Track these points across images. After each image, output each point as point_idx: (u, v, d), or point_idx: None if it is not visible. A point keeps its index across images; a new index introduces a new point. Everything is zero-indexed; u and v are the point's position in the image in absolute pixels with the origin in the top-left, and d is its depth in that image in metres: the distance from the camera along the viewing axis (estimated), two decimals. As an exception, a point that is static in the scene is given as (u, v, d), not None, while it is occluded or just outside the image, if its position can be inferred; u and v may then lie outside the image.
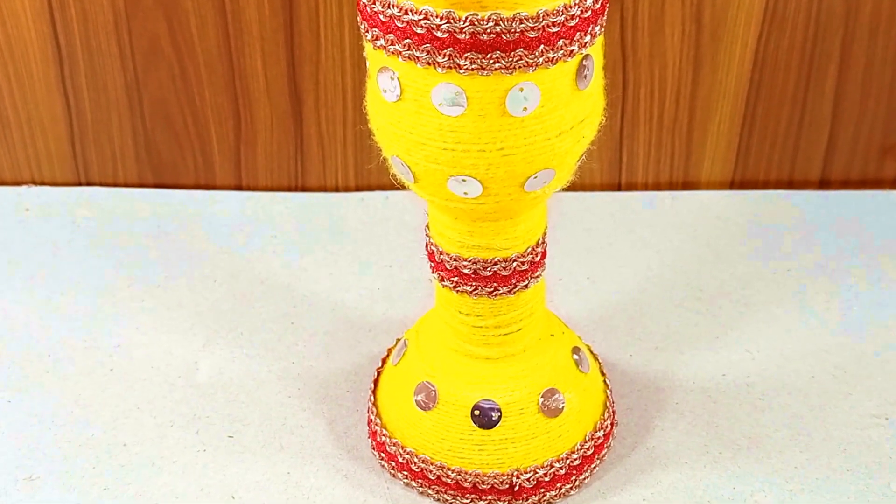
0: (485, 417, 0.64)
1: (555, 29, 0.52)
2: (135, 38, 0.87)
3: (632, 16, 0.85)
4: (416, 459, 0.65)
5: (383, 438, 0.67)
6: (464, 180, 0.55)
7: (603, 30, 0.55)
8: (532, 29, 0.51)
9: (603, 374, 0.71)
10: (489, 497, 0.64)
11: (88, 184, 0.95)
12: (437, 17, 0.51)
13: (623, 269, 0.85)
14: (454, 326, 0.65)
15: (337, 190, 0.94)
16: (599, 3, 0.54)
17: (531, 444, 0.64)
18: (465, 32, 0.51)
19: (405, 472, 0.66)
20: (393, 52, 0.53)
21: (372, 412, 0.69)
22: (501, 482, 0.64)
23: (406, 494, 0.66)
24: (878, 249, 0.86)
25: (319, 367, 0.75)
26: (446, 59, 0.52)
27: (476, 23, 0.51)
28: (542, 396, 0.64)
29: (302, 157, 0.92)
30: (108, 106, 0.90)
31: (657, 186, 0.94)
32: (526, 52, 0.51)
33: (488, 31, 0.51)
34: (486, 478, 0.64)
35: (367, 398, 0.72)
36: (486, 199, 0.56)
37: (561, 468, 0.65)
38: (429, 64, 0.52)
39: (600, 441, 0.67)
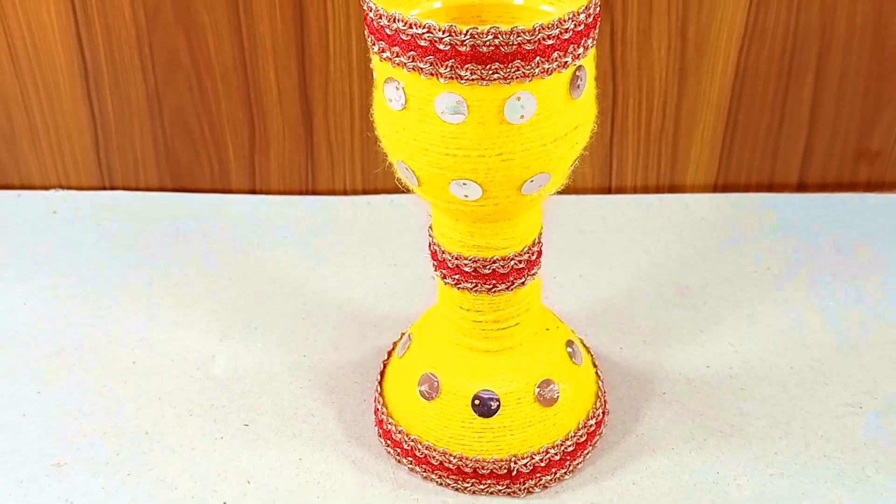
0: (484, 406, 0.64)
1: (550, 42, 0.52)
2: (155, 52, 0.87)
3: (621, 30, 0.85)
4: (419, 446, 0.65)
5: (389, 426, 0.67)
6: (465, 184, 0.55)
7: (595, 43, 0.55)
8: (529, 42, 0.51)
9: (595, 365, 0.71)
10: (489, 481, 0.64)
11: (112, 188, 0.95)
12: (439, 30, 0.51)
13: (613, 268, 0.85)
14: (455, 321, 0.65)
15: (345, 193, 0.94)
16: (591, 17, 0.54)
17: (528, 431, 0.64)
18: (465, 45, 0.51)
19: (410, 458, 0.66)
20: (398, 64, 0.53)
21: (378, 402, 0.69)
22: (500, 467, 0.64)
23: (410, 479, 0.66)
24: (852, 249, 0.86)
25: (329, 360, 0.75)
26: (448, 69, 0.52)
27: (476, 36, 0.51)
28: (538, 387, 0.64)
29: (312, 162, 0.92)
30: (131, 115, 0.90)
31: (645, 190, 0.94)
32: (523, 64, 0.51)
33: (488, 43, 0.51)
34: (485, 463, 0.64)
35: (373, 389, 0.72)
36: (485, 201, 0.56)
37: (556, 454, 0.64)
38: (432, 74, 0.52)
39: (592, 429, 0.67)
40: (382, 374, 0.71)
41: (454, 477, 0.64)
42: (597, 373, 0.71)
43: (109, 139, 0.92)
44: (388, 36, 0.53)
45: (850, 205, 0.91)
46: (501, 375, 0.64)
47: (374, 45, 0.54)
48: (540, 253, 0.64)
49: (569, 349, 0.67)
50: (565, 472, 0.65)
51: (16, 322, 0.79)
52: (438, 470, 0.65)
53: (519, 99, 0.53)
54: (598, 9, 0.55)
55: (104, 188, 0.95)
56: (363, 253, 0.87)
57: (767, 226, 0.89)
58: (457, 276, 0.62)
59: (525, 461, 0.64)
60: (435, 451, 0.64)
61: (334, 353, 0.76)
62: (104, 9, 0.85)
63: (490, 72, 0.51)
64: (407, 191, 0.61)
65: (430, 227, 0.63)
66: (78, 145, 0.93)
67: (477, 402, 0.64)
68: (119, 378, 0.74)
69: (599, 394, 0.69)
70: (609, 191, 0.94)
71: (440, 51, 0.51)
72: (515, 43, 0.51)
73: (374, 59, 0.55)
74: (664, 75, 0.88)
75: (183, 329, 0.79)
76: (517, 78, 0.52)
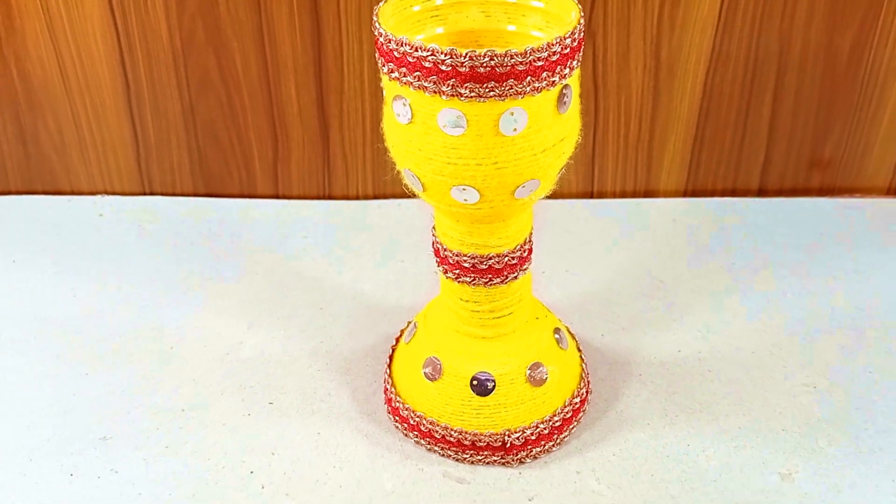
0: (482, 387, 0.63)
1: (540, 63, 0.52)
2: (189, 72, 0.87)
3: (602, 53, 0.85)
4: (424, 422, 0.65)
5: (397, 404, 0.67)
6: (464, 189, 0.55)
7: (579, 64, 0.55)
8: (521, 63, 0.51)
9: (579, 350, 0.71)
10: (485, 453, 0.64)
11: (151, 194, 0.95)
12: (442, 53, 0.51)
13: (596, 264, 0.84)
14: (456, 311, 0.65)
15: (358, 198, 0.94)
16: (576, 41, 0.54)
17: (520, 408, 0.64)
18: (465, 66, 0.51)
19: (415, 433, 0.66)
20: (405, 83, 0.53)
21: (388, 382, 0.69)
22: (495, 440, 0.64)
23: (416, 450, 0.66)
24: (806, 247, 0.85)
25: (344, 346, 0.75)
26: (450, 88, 0.51)
27: (474, 58, 0.51)
28: (529, 369, 0.64)
29: (329, 170, 0.92)
30: (168, 129, 0.90)
31: (623, 195, 0.93)
32: (516, 83, 0.51)
33: (484, 65, 0.51)
34: (482, 437, 0.64)
35: (383, 371, 0.72)
36: (482, 204, 0.56)
37: (545, 429, 0.64)
38: (435, 92, 0.52)
39: (577, 406, 0.67)
40: (391, 357, 0.71)
41: (454, 449, 0.64)
42: (581, 357, 0.70)
43: (149, 150, 0.92)
44: (397, 58, 0.53)
45: (804, 208, 0.91)
46: (497, 359, 0.64)
47: (383, 66, 0.54)
48: (531, 250, 0.63)
49: (556, 336, 0.67)
50: (553, 445, 0.65)
51: (67, 312, 0.79)
52: (441, 443, 0.65)
53: (512, 114, 0.52)
54: (582, 34, 0.55)
55: (144, 194, 0.95)
56: (374, 251, 0.87)
57: (731, 227, 0.89)
58: (457, 271, 0.62)
59: (517, 435, 0.64)
60: (438, 426, 0.64)
61: (348, 340, 0.76)
62: (145, 34, 0.85)
63: (487, 90, 0.51)
64: (413, 195, 0.60)
65: (434, 228, 0.63)
66: (121, 156, 0.92)
67: (475, 382, 0.63)
68: (158, 361, 0.74)
69: (583, 375, 0.69)
70: (591, 195, 0.94)
71: (442, 71, 0.51)
72: (509, 64, 0.51)
73: (384, 78, 0.55)
74: (640, 93, 0.87)
75: (215, 318, 0.78)
76: (511, 95, 0.52)
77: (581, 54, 0.55)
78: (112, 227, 0.90)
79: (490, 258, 0.61)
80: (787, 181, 0.93)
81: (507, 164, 0.54)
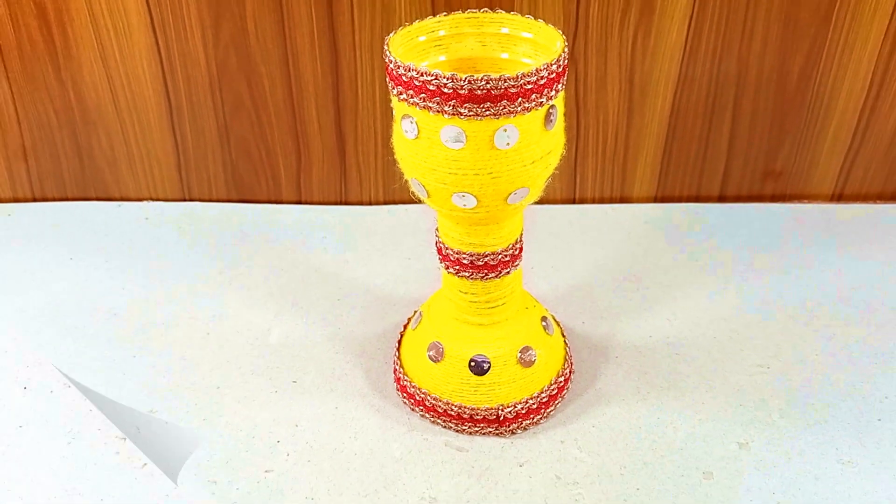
0: (478, 367, 0.64)
1: (529, 86, 0.52)
2: (224, 94, 0.87)
3: (583, 77, 0.85)
4: (428, 398, 0.65)
5: (405, 382, 0.67)
6: (463, 196, 0.55)
7: (563, 87, 0.55)
8: (513, 86, 0.51)
9: (563, 335, 0.71)
10: (481, 425, 0.64)
11: (190, 200, 0.95)
12: (444, 77, 0.51)
13: (578, 261, 0.85)
14: (456, 302, 0.65)
15: (371, 204, 0.94)
16: (561, 67, 0.54)
17: (512, 386, 0.64)
18: (464, 89, 0.51)
19: (420, 407, 0.66)
20: (412, 103, 0.53)
21: (397, 363, 0.69)
22: (490, 414, 0.64)
23: (421, 423, 0.66)
24: (760, 246, 0.86)
25: (358, 332, 0.75)
26: (451, 108, 0.52)
27: (473, 82, 0.51)
28: (520, 352, 0.64)
29: (345, 179, 0.92)
30: (205, 144, 0.91)
31: (602, 200, 0.94)
32: (509, 103, 0.52)
33: (481, 87, 0.51)
34: (479, 411, 0.64)
35: (393, 353, 0.72)
36: (479, 209, 0.56)
37: (534, 404, 0.65)
38: (438, 111, 0.52)
39: (561, 384, 0.67)
40: (399, 342, 0.71)
41: (455, 422, 0.65)
42: (565, 341, 0.71)
43: (189, 162, 0.92)
44: (405, 82, 0.53)
45: (759, 212, 0.91)
46: (491, 343, 0.64)
47: (393, 88, 0.55)
48: (521, 249, 0.64)
49: (543, 323, 0.67)
50: (541, 418, 0.65)
51: (116, 302, 0.79)
52: (443, 416, 0.65)
53: (506, 130, 0.53)
54: (566, 61, 0.55)
55: (184, 200, 0.95)
56: (384, 249, 0.87)
57: (696, 228, 0.89)
58: (457, 267, 0.62)
59: (510, 409, 0.64)
60: (440, 401, 0.65)
61: (362, 327, 0.76)
62: (185, 62, 0.85)
63: (483, 109, 0.52)
64: (418, 201, 0.61)
65: (437, 230, 0.63)
66: (164, 167, 0.93)
67: (472, 363, 0.64)
68: (196, 346, 0.74)
69: (567, 357, 0.69)
70: (574, 201, 0.94)
71: (445, 93, 0.51)
72: (503, 87, 0.51)
73: (394, 99, 0.56)
74: (616, 112, 0.88)
75: (246, 308, 0.79)
76: (504, 114, 0.52)
77: (565, 78, 0.56)
78: (156, 229, 0.90)
79: (486, 256, 0.61)
80: (744, 189, 0.93)
81: (500, 174, 0.54)
